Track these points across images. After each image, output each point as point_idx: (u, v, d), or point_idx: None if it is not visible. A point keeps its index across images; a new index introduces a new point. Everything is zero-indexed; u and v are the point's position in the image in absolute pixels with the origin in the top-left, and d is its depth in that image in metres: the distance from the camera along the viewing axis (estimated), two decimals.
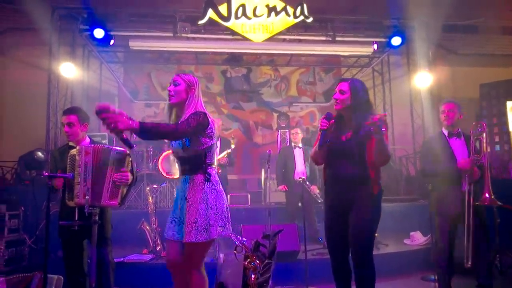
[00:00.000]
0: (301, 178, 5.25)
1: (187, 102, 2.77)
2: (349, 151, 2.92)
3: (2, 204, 5.34)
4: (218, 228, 2.66)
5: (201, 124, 2.65)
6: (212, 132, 2.75)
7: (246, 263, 2.52)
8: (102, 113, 2.23)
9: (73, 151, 3.45)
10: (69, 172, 3.39)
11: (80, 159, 3.32)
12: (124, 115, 2.29)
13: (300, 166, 6.20)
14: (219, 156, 5.82)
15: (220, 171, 5.74)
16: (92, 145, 3.39)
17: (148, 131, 2.41)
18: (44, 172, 3.69)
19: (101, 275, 3.55)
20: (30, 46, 9.22)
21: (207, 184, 2.71)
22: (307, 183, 5.36)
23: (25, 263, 5.46)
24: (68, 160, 3.45)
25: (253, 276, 2.40)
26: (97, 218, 3.24)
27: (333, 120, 2.97)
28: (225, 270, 3.14)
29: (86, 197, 3.24)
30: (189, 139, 2.68)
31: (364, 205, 2.91)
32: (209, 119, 2.72)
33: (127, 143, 2.38)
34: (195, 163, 2.73)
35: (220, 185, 2.83)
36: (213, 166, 2.82)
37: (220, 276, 3.22)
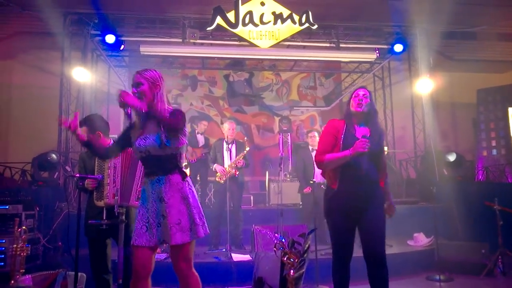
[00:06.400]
0: (313, 180, 5.39)
1: (155, 101, 2.62)
2: (369, 151, 2.89)
3: (19, 204, 5.42)
4: (204, 226, 2.61)
5: (184, 121, 2.59)
6: (186, 131, 2.69)
7: (284, 259, 2.64)
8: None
9: None
10: (97, 173, 3.56)
11: (109, 161, 3.48)
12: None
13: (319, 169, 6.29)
14: (235, 159, 5.99)
15: (237, 173, 5.93)
16: None
17: (161, 116, 2.53)
18: (75, 174, 3.82)
19: (127, 272, 3.68)
20: (39, 49, 9.35)
21: (185, 183, 2.62)
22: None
23: (39, 261, 5.55)
24: (97, 162, 3.61)
25: (292, 271, 2.54)
26: (123, 217, 3.39)
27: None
28: (263, 266, 3.26)
29: (116, 197, 3.39)
30: (170, 137, 2.56)
31: (380, 204, 3.02)
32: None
33: (129, 116, 2.59)
34: (171, 163, 2.61)
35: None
36: (185, 164, 2.75)
37: (258, 272, 3.35)
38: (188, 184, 2.64)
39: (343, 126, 3.10)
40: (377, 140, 3.04)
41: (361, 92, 3.10)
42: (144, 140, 2.60)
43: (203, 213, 2.67)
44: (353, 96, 3.13)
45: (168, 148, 2.57)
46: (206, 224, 2.67)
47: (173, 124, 2.52)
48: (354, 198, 2.97)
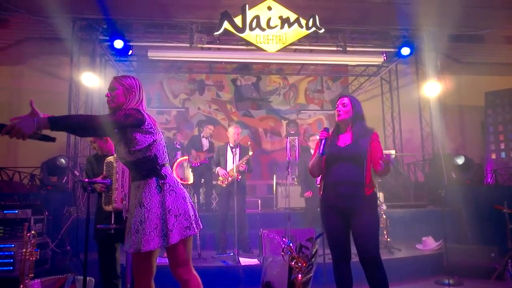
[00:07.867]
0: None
1: (124, 106, 2.53)
2: (348, 156, 3.09)
3: (28, 208, 5.47)
4: (182, 230, 2.48)
5: (132, 116, 2.41)
6: (151, 127, 2.51)
7: (292, 263, 2.63)
8: (1, 130, 2.00)
9: (110, 158, 3.62)
10: (105, 178, 3.58)
11: (117, 166, 3.49)
12: (26, 118, 2.07)
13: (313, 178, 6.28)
14: (238, 163, 5.99)
15: (240, 177, 5.92)
16: None
17: (62, 122, 2.14)
18: (84, 178, 3.84)
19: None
20: (48, 55, 9.45)
21: (165, 186, 2.51)
22: None
23: (48, 266, 5.57)
24: (105, 167, 3.63)
25: (299, 276, 2.54)
26: None
27: (330, 132, 3.22)
28: (270, 271, 3.27)
29: (124, 202, 3.41)
30: (126, 139, 2.47)
31: (369, 208, 3.06)
32: (144, 114, 2.49)
33: (47, 139, 2.16)
34: (147, 167, 2.52)
35: (179, 185, 2.62)
36: (167, 165, 2.61)
37: (266, 276, 3.35)
38: (170, 186, 2.54)
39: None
40: (359, 144, 3.13)
41: (340, 102, 3.27)
42: (119, 146, 2.56)
43: (190, 215, 2.55)
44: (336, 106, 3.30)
45: (136, 152, 2.49)
46: (195, 225, 2.56)
47: (112, 121, 2.39)
48: (336, 198, 3.09)
